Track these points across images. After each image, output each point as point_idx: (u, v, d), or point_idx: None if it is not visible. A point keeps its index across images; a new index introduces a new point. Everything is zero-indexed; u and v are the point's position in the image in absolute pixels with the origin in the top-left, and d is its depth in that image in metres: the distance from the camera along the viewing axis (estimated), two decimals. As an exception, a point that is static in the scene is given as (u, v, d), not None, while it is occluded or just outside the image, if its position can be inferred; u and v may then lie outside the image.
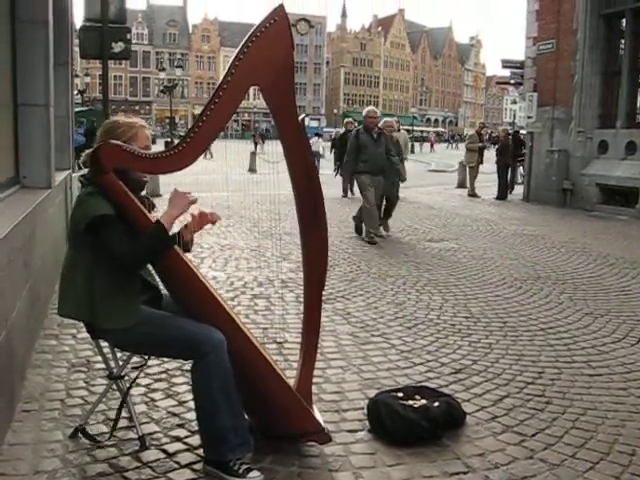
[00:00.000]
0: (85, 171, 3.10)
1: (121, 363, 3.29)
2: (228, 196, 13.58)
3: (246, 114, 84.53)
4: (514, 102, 68.27)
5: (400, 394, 3.71)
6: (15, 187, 5.53)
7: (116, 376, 3.23)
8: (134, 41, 77.07)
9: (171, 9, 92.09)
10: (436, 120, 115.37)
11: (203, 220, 3.21)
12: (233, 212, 12.39)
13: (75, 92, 10.35)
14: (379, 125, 10.54)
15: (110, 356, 3.28)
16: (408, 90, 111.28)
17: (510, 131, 19.52)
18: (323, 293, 6.41)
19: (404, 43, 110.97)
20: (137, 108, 77.17)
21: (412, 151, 45.66)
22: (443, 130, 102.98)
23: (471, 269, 8.10)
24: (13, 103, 5.79)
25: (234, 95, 2.82)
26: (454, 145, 72.05)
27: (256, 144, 40.26)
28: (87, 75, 62.10)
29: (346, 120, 16.09)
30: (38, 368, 4.24)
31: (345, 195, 16.07)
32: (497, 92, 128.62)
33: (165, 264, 2.94)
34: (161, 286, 3.15)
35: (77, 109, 13.39)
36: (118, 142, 2.85)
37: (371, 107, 10.98)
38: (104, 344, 3.27)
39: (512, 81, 20.30)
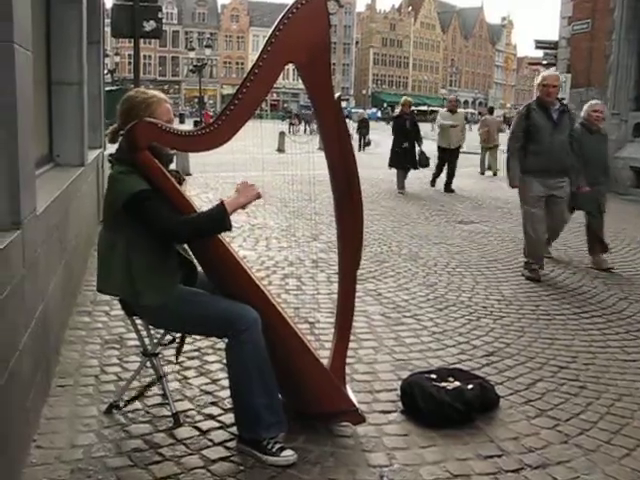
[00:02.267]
0: (112, 150, 3.11)
1: (155, 340, 3.30)
2: (257, 176, 13.56)
3: (274, 94, 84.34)
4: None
5: (433, 376, 3.68)
6: (49, 165, 5.57)
7: (150, 353, 3.24)
8: (163, 20, 76.99)
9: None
10: (466, 101, 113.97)
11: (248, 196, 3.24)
12: (263, 192, 12.30)
13: (105, 71, 10.40)
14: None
15: (144, 333, 3.29)
16: (438, 71, 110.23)
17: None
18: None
19: (434, 23, 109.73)
20: (166, 87, 77.34)
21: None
22: (473, 111, 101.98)
23: (502, 252, 8.02)
24: (47, 81, 5.82)
25: (270, 72, 2.79)
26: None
27: (291, 125, 40.13)
28: (117, 54, 62.30)
29: (404, 99, 14.11)
30: (72, 344, 4.28)
31: (402, 191, 13.39)
32: (528, 73, 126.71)
33: (203, 243, 2.94)
34: (196, 263, 3.15)
35: (107, 88, 13.45)
36: (153, 120, 2.83)
37: (550, 71, 7.89)
38: (138, 321, 3.29)
39: (544, 62, 20.03)
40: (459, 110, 15.36)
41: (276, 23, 2.78)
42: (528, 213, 6.75)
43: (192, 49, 48.37)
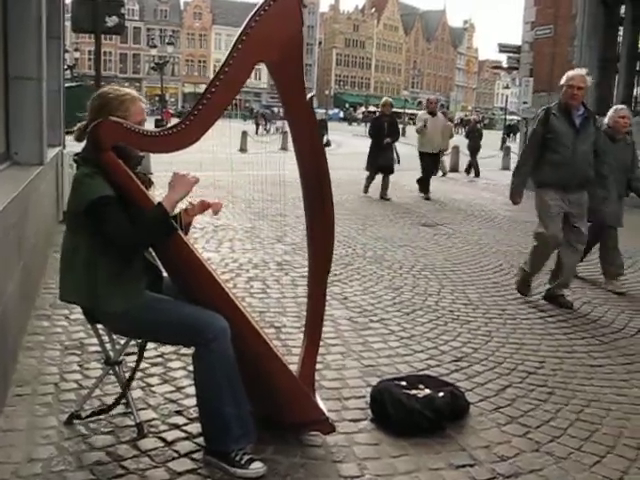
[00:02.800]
0: (76, 149, 2.99)
1: (118, 347, 3.18)
2: (219, 176, 13.42)
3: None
4: (507, 87, 67.91)
5: (403, 383, 3.62)
6: (6, 163, 5.38)
7: (113, 362, 3.12)
8: (125, 16, 76.04)
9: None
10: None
11: (204, 207, 3.16)
12: (226, 192, 12.23)
13: (65, 67, 10.12)
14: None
15: (107, 340, 3.16)
16: (400, 73, 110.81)
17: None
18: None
19: (397, 25, 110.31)
20: (127, 85, 75.63)
21: (403, 134, 45.33)
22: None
23: (466, 255, 8.03)
24: (4, 76, 5.62)
25: (241, 71, 2.70)
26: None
27: (258, 125, 39.94)
28: (77, 50, 61.14)
29: (384, 100, 13.62)
30: (30, 350, 4.12)
31: (366, 192, 13.33)
32: (489, 77, 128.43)
33: (166, 247, 2.83)
34: (162, 268, 3.04)
35: (67, 84, 13.12)
36: (118, 119, 2.72)
37: (578, 71, 6.00)
38: (101, 328, 3.17)
39: (505, 65, 20.19)
40: (439, 113, 14.93)
41: (247, 20, 2.68)
42: (548, 224, 5.84)
43: (154, 46, 47.72)
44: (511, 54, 17.63)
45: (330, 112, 66.41)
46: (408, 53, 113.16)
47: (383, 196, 12.88)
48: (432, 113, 13.89)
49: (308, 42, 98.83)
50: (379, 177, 13.15)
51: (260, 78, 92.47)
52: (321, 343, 4.44)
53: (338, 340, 4.65)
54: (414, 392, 3.50)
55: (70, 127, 12.30)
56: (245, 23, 2.68)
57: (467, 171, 19.81)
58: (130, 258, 2.81)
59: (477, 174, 19.39)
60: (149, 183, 3.02)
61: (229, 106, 2.77)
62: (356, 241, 8.38)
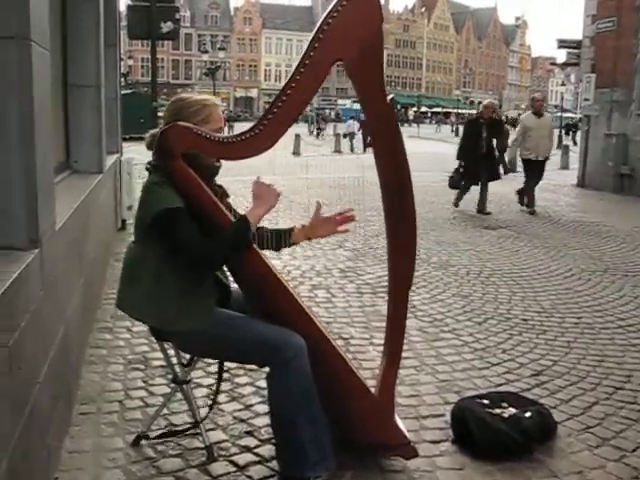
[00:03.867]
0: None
1: (185, 364, 3.02)
2: (275, 180, 13.31)
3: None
4: (563, 84, 66.42)
5: (485, 401, 3.39)
6: (66, 172, 5.33)
7: (181, 381, 2.96)
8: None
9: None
10: (480, 102, 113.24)
11: (331, 226, 3.07)
12: (282, 196, 12.06)
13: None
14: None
15: (175, 359, 3.00)
16: (451, 72, 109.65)
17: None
18: (383, 284, 6.12)
19: (448, 24, 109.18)
20: (179, 91, 77.43)
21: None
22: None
23: (534, 259, 7.70)
24: (63, 84, 5.57)
25: (318, 70, 2.51)
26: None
27: (319, 129, 39.76)
28: (130, 58, 62.24)
29: (487, 101, 11.90)
30: (93, 365, 4.01)
31: (457, 206, 11.64)
32: (543, 74, 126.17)
33: (240, 260, 2.66)
34: (230, 280, 2.87)
35: (122, 92, 13.19)
36: (188, 124, 2.56)
37: None
38: (168, 345, 3.02)
39: (559, 62, 19.61)
40: (545, 113, 12.26)
41: (324, 16, 2.49)
42: None
43: (205, 52, 48.23)
44: (571, 50, 17.12)
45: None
46: (459, 52, 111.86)
47: (482, 210, 11.13)
48: (538, 114, 11.55)
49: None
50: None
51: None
52: (392, 356, 4.28)
53: (410, 352, 4.42)
54: (498, 411, 3.26)
55: (125, 134, 12.35)
56: (322, 19, 2.49)
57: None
58: (202, 273, 2.64)
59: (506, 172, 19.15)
60: (224, 195, 2.85)
61: (305, 108, 2.58)
62: (419, 245, 8.08)
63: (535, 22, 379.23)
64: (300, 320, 2.71)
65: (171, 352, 3.04)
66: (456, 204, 11.61)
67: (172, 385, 3.08)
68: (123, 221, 8.31)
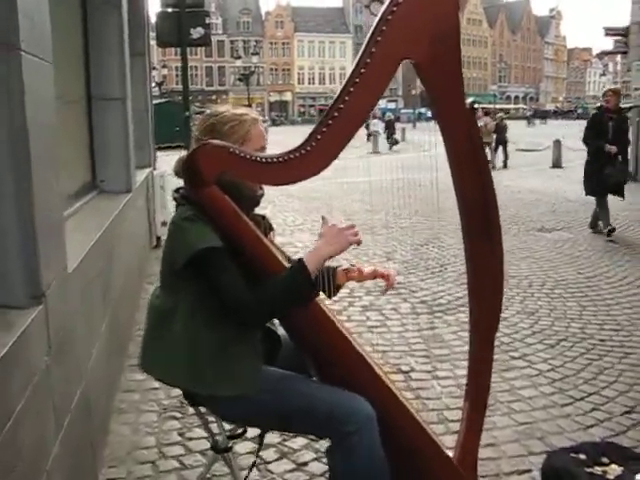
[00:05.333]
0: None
1: (227, 431, 2.51)
2: (313, 186, 12.83)
3: (322, 99, 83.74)
4: (603, 74, 64.71)
5: (582, 456, 2.84)
6: (92, 193, 4.90)
7: (222, 449, 2.46)
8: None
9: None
10: (516, 97, 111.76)
11: (374, 275, 2.53)
12: (322, 202, 11.64)
13: (153, 84, 9.77)
14: None
15: (215, 425, 2.50)
16: (487, 67, 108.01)
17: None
18: (440, 302, 5.59)
19: (481, 19, 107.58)
20: (214, 97, 77.55)
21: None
22: (524, 107, 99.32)
23: (598, 265, 7.08)
24: (86, 97, 5.16)
25: (380, 72, 2.00)
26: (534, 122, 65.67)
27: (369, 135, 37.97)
28: (164, 67, 62.30)
29: (614, 88, 9.31)
30: (124, 414, 3.56)
31: (595, 227, 9.14)
32: (580, 65, 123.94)
33: (297, 310, 2.15)
34: (280, 331, 2.37)
35: (155, 101, 12.87)
36: (220, 142, 2.06)
37: None
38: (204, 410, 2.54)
39: (597, 51, 18.72)
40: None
41: (386, 5, 1.99)
42: None
43: (238, 57, 48.20)
44: (618, 37, 16.34)
45: (418, 111, 64.83)
46: (493, 46, 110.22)
47: (609, 228, 8.67)
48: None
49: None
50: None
51: (335, 81, 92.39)
52: (458, 390, 3.76)
53: (479, 388, 3.89)
54: (600, 470, 2.71)
55: (161, 144, 12.01)
56: (383, 9, 1.99)
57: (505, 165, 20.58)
58: (247, 328, 2.16)
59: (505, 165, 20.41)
60: (268, 229, 2.34)
61: (367, 117, 2.08)
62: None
63: (569, 12, 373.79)
64: (369, 385, 2.19)
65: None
66: (606, 224, 8.74)
67: (212, 454, 2.58)
68: (158, 238, 7.90)
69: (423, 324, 5.03)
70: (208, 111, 2.35)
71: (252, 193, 2.23)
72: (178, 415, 3.55)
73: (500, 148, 20.70)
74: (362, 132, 37.16)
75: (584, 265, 7.10)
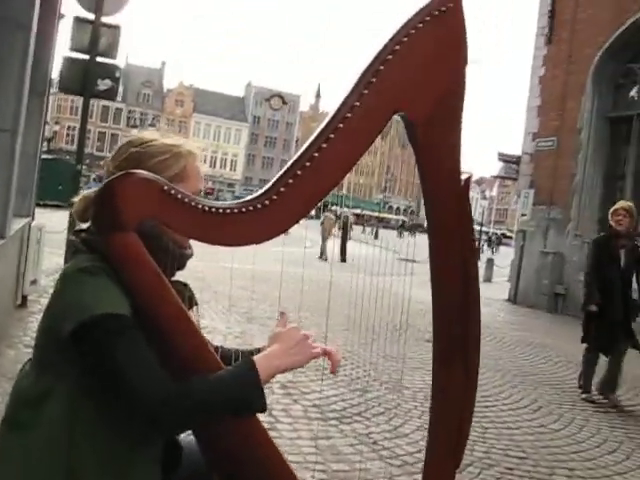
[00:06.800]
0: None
1: None
2: (200, 266, 12.24)
3: (211, 182, 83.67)
4: (484, 198, 68.37)
5: None
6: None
7: None
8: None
9: (148, 70, 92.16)
10: (398, 208, 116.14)
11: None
12: (206, 285, 11.02)
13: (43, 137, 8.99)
14: None
15: None
16: (374, 176, 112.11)
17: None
18: (334, 408, 5.10)
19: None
20: (102, 164, 75.71)
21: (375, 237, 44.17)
22: (404, 219, 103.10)
23: (492, 384, 6.85)
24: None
25: (369, 121, 1.56)
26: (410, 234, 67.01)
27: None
28: (57, 123, 60.44)
29: (625, 205, 6.81)
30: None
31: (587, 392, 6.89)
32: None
33: (228, 419, 1.60)
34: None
35: (43, 156, 12.01)
36: (154, 175, 1.51)
37: None
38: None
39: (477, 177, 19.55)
40: None
41: (387, 41, 1.57)
42: None
43: (134, 126, 47.53)
44: (511, 164, 17.08)
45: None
46: (382, 156, 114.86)
47: (613, 388, 6.76)
48: None
49: (286, 138, 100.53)
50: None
51: (235, 169, 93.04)
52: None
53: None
54: None
55: (41, 200, 11.06)
56: (385, 44, 1.56)
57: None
58: (151, 433, 1.58)
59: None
60: (190, 302, 1.76)
61: (345, 175, 1.62)
62: (362, 359, 7.14)
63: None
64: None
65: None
66: (586, 388, 6.87)
67: None
68: (24, 297, 7.03)
69: (317, 432, 4.51)
70: (127, 138, 1.82)
71: (179, 250, 1.70)
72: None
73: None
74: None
75: (479, 383, 6.83)
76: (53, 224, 11.02)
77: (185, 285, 1.76)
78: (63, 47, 7.65)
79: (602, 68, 14.56)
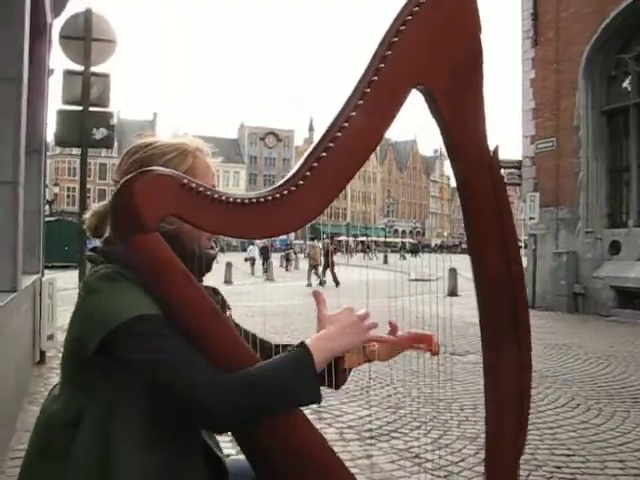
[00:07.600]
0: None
1: None
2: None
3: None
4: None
5: None
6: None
7: None
8: (103, 154, 77.00)
9: (141, 123, 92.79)
10: (403, 231, 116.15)
11: (409, 344, 1.84)
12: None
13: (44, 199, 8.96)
14: None
15: None
16: (376, 202, 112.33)
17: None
18: (370, 427, 4.98)
19: (371, 156, 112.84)
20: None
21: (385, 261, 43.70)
22: (412, 241, 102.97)
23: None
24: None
25: (388, 99, 1.48)
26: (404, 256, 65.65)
27: (288, 260, 37.15)
28: (56, 185, 60.74)
29: None
30: None
31: None
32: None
33: (277, 417, 1.50)
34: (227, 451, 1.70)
35: (46, 219, 12.05)
36: (171, 171, 1.42)
37: None
38: None
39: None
40: None
41: (395, 18, 1.49)
42: None
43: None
44: (512, 169, 17.00)
45: (296, 241, 65.31)
46: (382, 182, 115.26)
47: None
48: None
49: (283, 175, 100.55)
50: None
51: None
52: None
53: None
54: None
55: (48, 262, 10.94)
56: (392, 22, 1.49)
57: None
58: (186, 441, 1.48)
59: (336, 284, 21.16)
60: (222, 307, 1.64)
61: (369, 155, 1.53)
62: (389, 377, 7.00)
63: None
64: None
65: None
66: None
67: None
68: (42, 353, 6.95)
69: (356, 453, 4.38)
70: (128, 147, 1.74)
71: (202, 251, 1.61)
72: None
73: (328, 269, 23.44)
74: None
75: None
76: (64, 282, 10.99)
77: (215, 291, 1.67)
78: (56, 102, 7.56)
79: (592, 63, 14.56)
